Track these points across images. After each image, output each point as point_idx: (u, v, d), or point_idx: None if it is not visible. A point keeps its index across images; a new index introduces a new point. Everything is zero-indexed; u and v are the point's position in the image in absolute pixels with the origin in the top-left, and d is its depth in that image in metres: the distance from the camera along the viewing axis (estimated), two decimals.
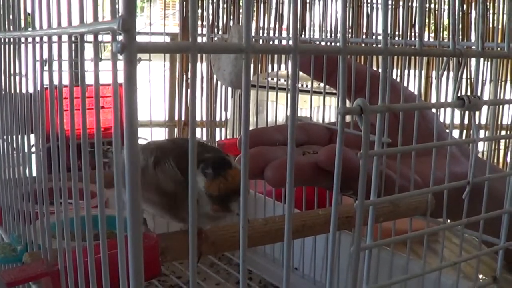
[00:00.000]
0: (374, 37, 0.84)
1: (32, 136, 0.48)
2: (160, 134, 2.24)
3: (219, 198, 0.45)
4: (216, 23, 2.40)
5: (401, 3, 2.54)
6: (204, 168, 0.46)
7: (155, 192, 0.47)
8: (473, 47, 0.36)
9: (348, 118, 0.29)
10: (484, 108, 0.34)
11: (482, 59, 0.37)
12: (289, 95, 0.27)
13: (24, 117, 0.48)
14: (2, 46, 0.53)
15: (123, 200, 0.25)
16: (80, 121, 0.32)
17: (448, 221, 0.61)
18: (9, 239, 0.53)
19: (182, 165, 0.46)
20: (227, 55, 0.82)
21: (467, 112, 0.34)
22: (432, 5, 2.63)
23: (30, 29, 0.43)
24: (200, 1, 1.96)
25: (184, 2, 2.28)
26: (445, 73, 0.48)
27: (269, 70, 2.46)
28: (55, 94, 0.37)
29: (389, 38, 0.83)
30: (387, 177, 0.54)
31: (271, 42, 1.01)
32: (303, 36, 0.95)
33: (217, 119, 2.43)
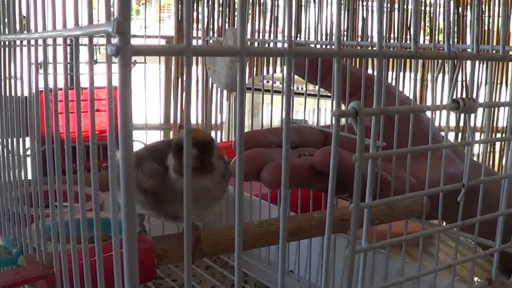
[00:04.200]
0: (369, 40, 0.84)
1: (27, 139, 0.48)
2: (155, 137, 2.23)
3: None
4: (211, 26, 2.40)
5: (396, 5, 2.55)
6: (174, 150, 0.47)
7: (139, 191, 0.48)
8: (468, 50, 0.36)
9: (343, 121, 0.29)
10: (480, 110, 0.34)
11: (477, 62, 0.37)
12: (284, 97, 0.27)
13: (20, 120, 0.48)
14: None
15: (119, 203, 0.25)
16: (75, 124, 0.32)
17: (444, 223, 0.61)
18: (5, 242, 0.53)
19: (162, 163, 0.48)
20: (222, 58, 0.82)
21: (462, 115, 0.34)
22: (428, 8, 2.64)
23: (25, 32, 0.43)
24: (195, 4, 1.96)
25: (180, 5, 2.28)
26: (441, 75, 0.48)
27: (265, 73, 2.47)
28: (50, 97, 0.37)
29: (384, 41, 0.83)
30: (383, 180, 0.54)
31: (266, 45, 1.01)
32: (298, 39, 0.95)
33: (213, 121, 2.43)
